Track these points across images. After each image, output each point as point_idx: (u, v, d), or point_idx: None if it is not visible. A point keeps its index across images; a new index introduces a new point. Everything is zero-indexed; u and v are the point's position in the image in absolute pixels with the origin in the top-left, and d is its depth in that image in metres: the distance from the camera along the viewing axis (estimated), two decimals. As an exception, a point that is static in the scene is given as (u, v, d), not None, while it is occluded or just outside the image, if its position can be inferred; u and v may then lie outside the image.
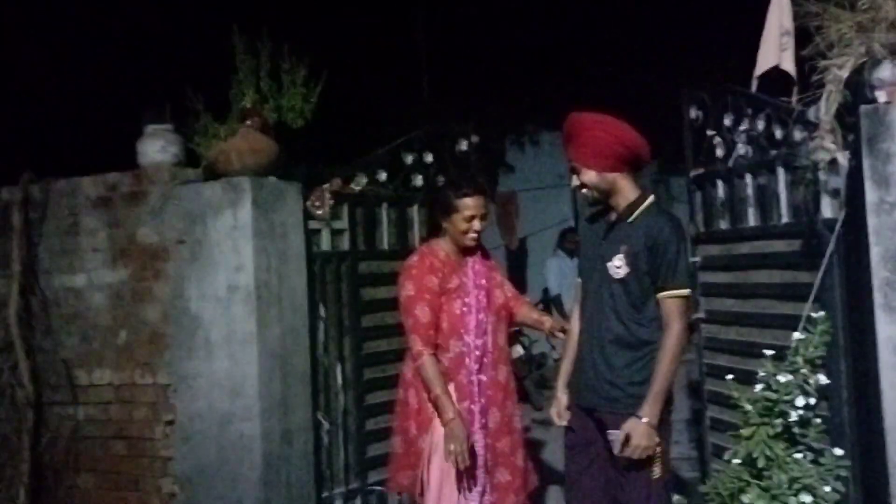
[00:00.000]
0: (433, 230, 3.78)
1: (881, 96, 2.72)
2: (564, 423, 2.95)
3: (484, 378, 3.15)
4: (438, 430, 3.06)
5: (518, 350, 3.49)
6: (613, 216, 2.83)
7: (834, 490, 2.94)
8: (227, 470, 3.60)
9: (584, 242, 3.01)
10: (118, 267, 3.93)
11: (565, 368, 2.99)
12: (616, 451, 2.73)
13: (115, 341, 3.92)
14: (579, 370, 2.88)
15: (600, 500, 2.85)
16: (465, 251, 3.23)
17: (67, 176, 4.10)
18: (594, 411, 2.83)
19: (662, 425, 2.75)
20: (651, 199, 2.80)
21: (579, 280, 3.01)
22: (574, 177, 2.82)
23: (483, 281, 3.21)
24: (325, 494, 3.88)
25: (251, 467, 3.55)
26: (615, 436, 2.73)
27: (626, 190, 2.79)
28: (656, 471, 2.75)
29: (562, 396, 2.97)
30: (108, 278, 3.95)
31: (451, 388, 3.07)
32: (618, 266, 2.74)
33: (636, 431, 2.67)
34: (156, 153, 3.90)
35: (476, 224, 3.13)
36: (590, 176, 2.77)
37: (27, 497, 3.90)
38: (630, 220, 2.77)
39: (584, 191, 2.82)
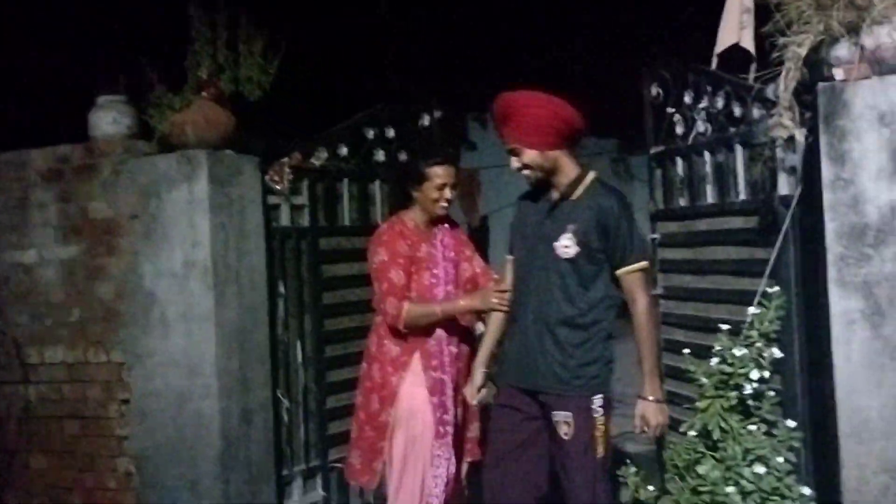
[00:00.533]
0: (400, 204, 3.77)
1: (838, 74, 2.75)
2: (475, 402, 2.94)
3: (454, 349, 3.16)
4: (403, 402, 3.06)
5: (480, 327, 3.49)
6: (555, 195, 2.76)
7: (786, 461, 3.01)
8: (184, 449, 3.55)
9: (520, 222, 2.92)
10: (70, 242, 3.82)
11: (487, 347, 2.95)
12: (562, 432, 2.74)
13: (67, 319, 3.83)
14: (521, 352, 2.82)
15: (523, 481, 2.83)
16: (435, 223, 3.22)
17: (15, 148, 3.96)
18: (539, 393, 2.79)
19: (607, 403, 2.78)
20: (592, 174, 2.77)
21: (510, 258, 2.94)
22: (514, 159, 2.73)
23: (451, 254, 3.21)
24: (285, 472, 3.86)
25: (210, 446, 3.51)
26: (561, 417, 2.74)
27: (567, 167, 2.75)
28: (600, 450, 2.77)
29: (478, 376, 2.94)
30: (60, 254, 3.85)
31: (417, 356, 3.07)
32: (566, 245, 2.69)
33: (650, 411, 2.72)
34: (108, 125, 3.80)
35: (447, 192, 3.15)
36: (532, 156, 2.70)
37: (-23, 478, 3.82)
38: (574, 197, 2.73)
39: (526, 172, 2.74)
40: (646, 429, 2.75)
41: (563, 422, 2.73)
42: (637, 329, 2.72)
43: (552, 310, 2.75)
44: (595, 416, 2.77)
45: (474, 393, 2.93)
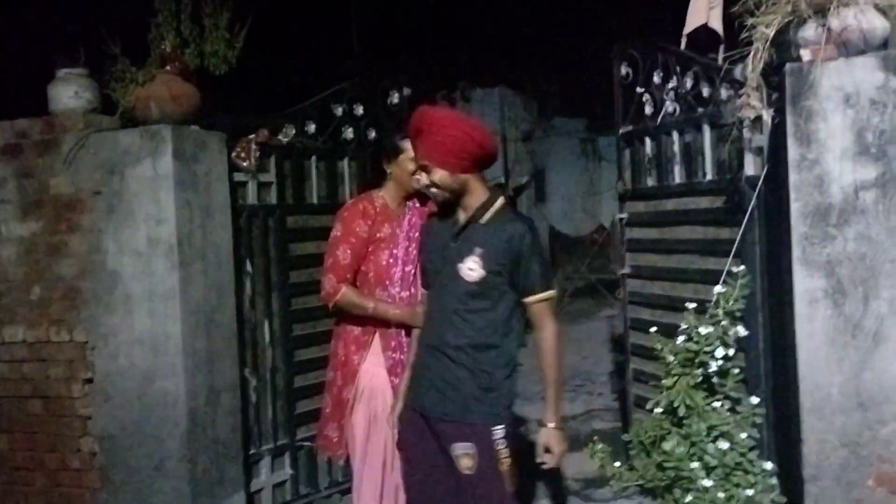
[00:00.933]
0: (368, 182, 3.71)
1: (805, 55, 2.78)
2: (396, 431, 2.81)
3: (404, 339, 3.14)
4: (363, 379, 3.06)
5: None
6: (463, 217, 2.67)
7: (750, 437, 3.08)
8: (150, 428, 3.51)
9: (427, 244, 2.82)
10: (30, 219, 3.73)
11: (408, 374, 2.84)
12: (463, 467, 2.59)
13: (27, 297, 3.75)
14: (421, 376, 2.72)
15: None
16: (407, 200, 3.19)
17: (-29, 122, 3.85)
18: (439, 421, 2.66)
19: (511, 434, 2.64)
20: (501, 200, 2.69)
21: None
22: (423, 176, 2.66)
23: (417, 234, 3.18)
24: (252, 451, 3.84)
25: (176, 425, 3.47)
26: (460, 449, 2.60)
27: (477, 191, 2.65)
28: (507, 485, 2.62)
29: (399, 403, 2.83)
30: (20, 231, 3.75)
31: (377, 336, 3.06)
32: (471, 268, 2.60)
33: (553, 439, 2.60)
34: (69, 99, 3.69)
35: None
36: (441, 175, 2.61)
37: (-65, 460, 3.74)
38: (483, 221, 2.64)
39: (433, 190, 2.67)
40: (547, 457, 2.61)
41: (464, 454, 2.60)
42: (542, 356, 2.63)
43: (451, 334, 2.64)
44: (498, 447, 2.61)
45: (395, 422, 2.83)
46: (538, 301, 2.62)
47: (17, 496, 3.76)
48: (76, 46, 3.79)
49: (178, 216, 3.45)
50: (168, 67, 3.60)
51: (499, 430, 2.61)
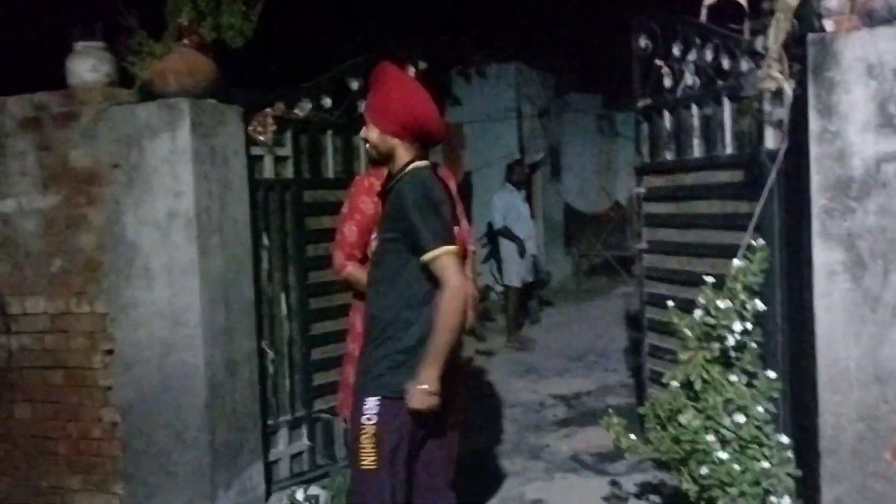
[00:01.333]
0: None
1: (828, 25, 2.74)
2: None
3: None
4: None
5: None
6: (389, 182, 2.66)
7: (766, 410, 3.07)
8: (169, 398, 3.56)
9: None
10: (49, 192, 3.76)
11: None
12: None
13: (48, 269, 3.79)
14: None
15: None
16: None
17: (-9, 95, 3.87)
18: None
19: (387, 409, 2.51)
20: (415, 164, 2.58)
21: None
22: (364, 128, 2.66)
23: None
24: (270, 422, 3.88)
25: (195, 395, 3.51)
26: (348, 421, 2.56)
27: (401, 159, 2.60)
28: (366, 462, 2.52)
29: None
30: (39, 204, 3.78)
31: None
32: (375, 235, 2.61)
33: (416, 397, 2.46)
34: (87, 72, 3.70)
35: None
36: (373, 133, 2.60)
37: (-39, 429, 3.81)
38: (390, 186, 2.62)
39: (367, 146, 2.68)
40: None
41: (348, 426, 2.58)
42: (438, 311, 2.47)
43: (370, 303, 2.63)
44: (362, 419, 2.53)
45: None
46: (431, 260, 2.47)
47: (40, 464, 3.83)
48: (93, 20, 3.80)
49: (196, 189, 3.47)
50: (185, 41, 3.61)
51: (371, 402, 2.53)
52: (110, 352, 3.67)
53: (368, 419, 2.53)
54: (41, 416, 3.84)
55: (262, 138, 3.83)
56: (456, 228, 3.15)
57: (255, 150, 3.84)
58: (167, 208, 3.51)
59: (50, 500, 3.82)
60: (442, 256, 2.47)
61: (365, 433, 2.53)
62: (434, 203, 2.52)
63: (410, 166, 2.60)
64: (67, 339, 3.76)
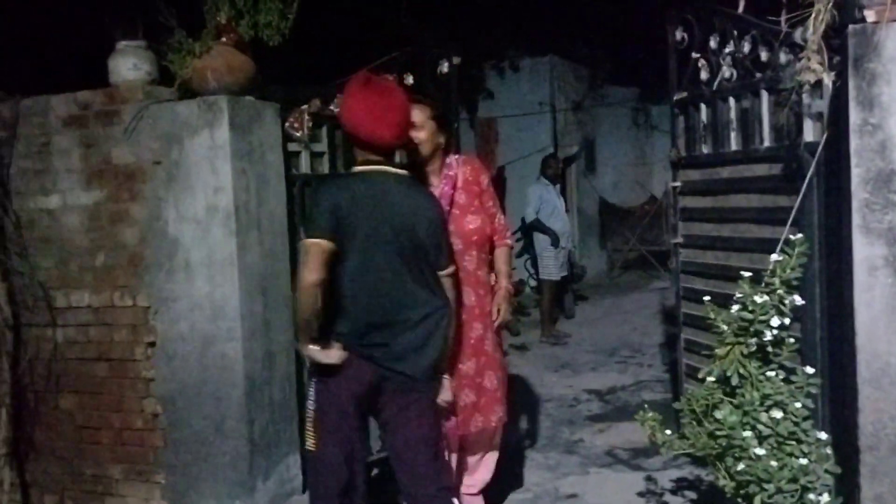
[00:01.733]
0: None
1: (870, 16, 2.69)
2: None
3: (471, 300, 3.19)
4: None
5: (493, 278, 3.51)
6: None
7: (804, 406, 3.04)
8: (210, 390, 3.63)
9: None
10: (93, 188, 3.86)
11: None
12: None
13: (92, 263, 3.88)
14: None
15: None
16: (448, 171, 3.21)
17: (36, 94, 3.97)
18: None
19: (319, 391, 2.77)
20: (355, 167, 2.83)
21: None
22: None
23: (447, 205, 3.21)
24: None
25: (234, 387, 3.58)
26: None
27: (356, 162, 2.85)
28: (308, 443, 2.80)
29: None
30: (83, 199, 3.88)
31: None
32: None
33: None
34: (128, 71, 3.79)
35: (414, 132, 3.10)
36: (342, 135, 2.90)
37: (9, 418, 3.92)
38: None
39: None
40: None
41: None
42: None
43: None
44: (307, 403, 2.83)
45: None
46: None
47: (84, 453, 3.94)
48: (134, 19, 3.87)
49: (234, 185, 3.53)
50: (223, 39, 3.66)
51: (313, 384, 2.79)
52: (152, 344, 3.76)
53: (310, 404, 2.79)
54: (86, 407, 3.94)
55: (298, 134, 3.89)
56: (476, 221, 3.19)
57: (292, 146, 3.89)
58: (207, 203, 3.58)
59: (94, 488, 3.92)
60: (308, 246, 2.69)
61: (309, 417, 2.79)
62: (315, 200, 2.78)
63: (353, 168, 2.86)
64: (111, 332, 3.85)
